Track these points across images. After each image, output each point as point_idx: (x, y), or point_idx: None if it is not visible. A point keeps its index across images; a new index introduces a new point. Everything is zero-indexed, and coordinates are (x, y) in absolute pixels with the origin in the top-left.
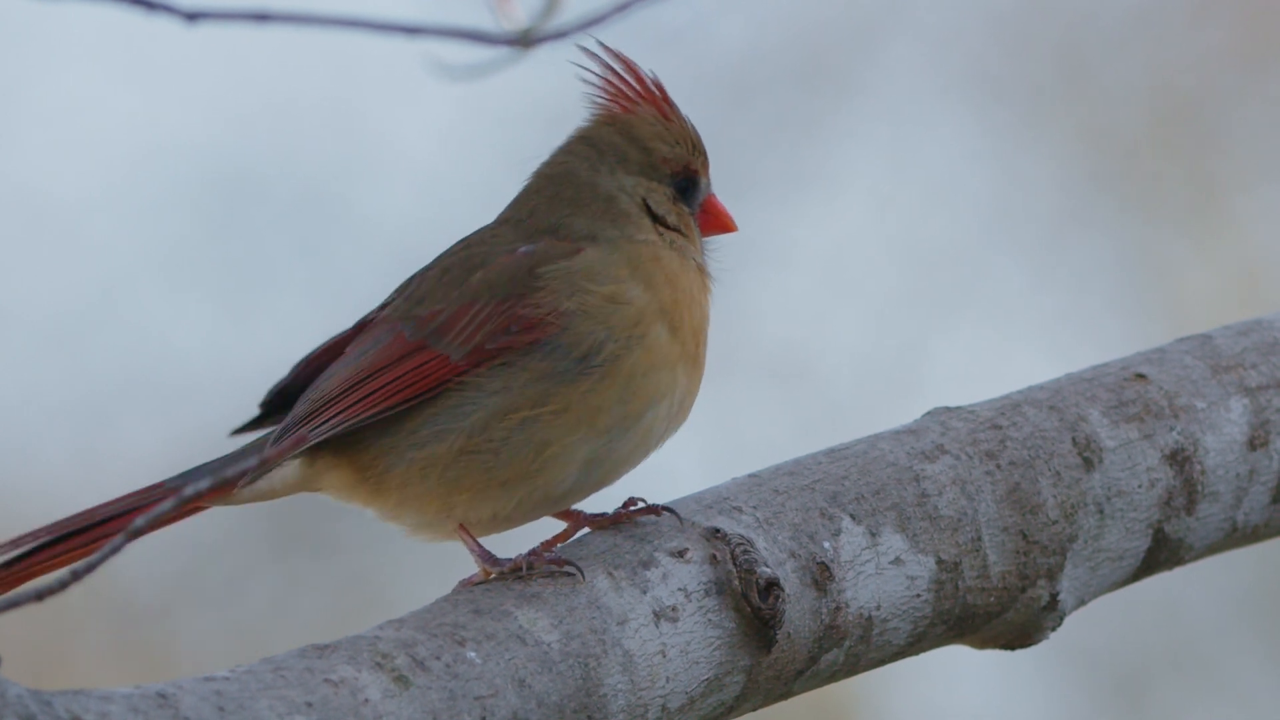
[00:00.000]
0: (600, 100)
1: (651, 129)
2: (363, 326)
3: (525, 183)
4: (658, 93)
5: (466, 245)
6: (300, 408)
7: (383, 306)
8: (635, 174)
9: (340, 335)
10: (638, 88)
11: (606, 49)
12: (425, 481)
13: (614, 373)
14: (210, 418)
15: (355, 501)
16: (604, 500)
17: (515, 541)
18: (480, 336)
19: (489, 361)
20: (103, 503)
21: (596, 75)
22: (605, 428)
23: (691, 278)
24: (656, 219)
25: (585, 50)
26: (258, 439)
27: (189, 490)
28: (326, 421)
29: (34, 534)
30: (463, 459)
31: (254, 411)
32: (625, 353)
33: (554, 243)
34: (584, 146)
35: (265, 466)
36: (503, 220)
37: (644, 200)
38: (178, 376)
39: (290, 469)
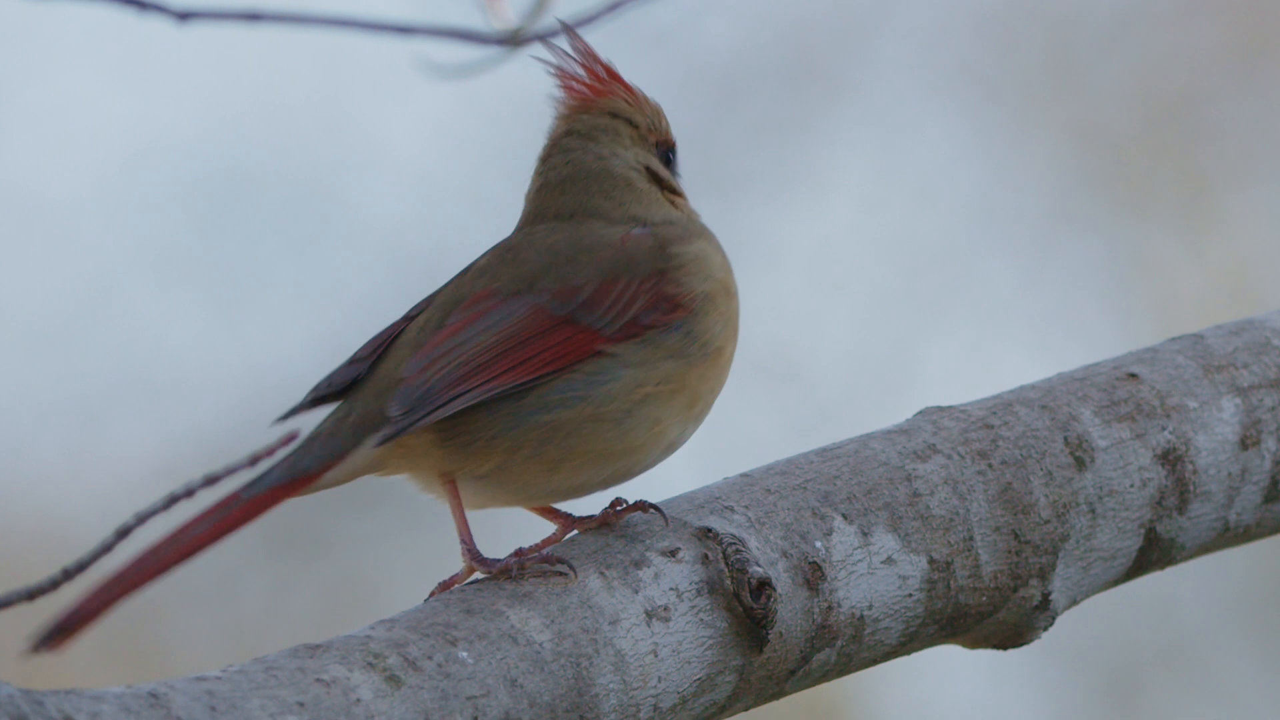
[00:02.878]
0: (572, 88)
1: (626, 105)
2: (410, 319)
3: (536, 196)
4: (618, 73)
5: (571, 230)
6: (434, 375)
7: (430, 300)
8: (629, 146)
9: (392, 327)
10: (601, 70)
11: (569, 30)
12: (543, 446)
13: (718, 360)
14: (202, 416)
15: (431, 470)
16: (588, 503)
17: (505, 541)
18: (634, 310)
19: (636, 337)
20: (181, 527)
21: (566, 64)
22: (695, 413)
23: None
24: (663, 186)
25: (548, 43)
26: (323, 428)
27: (247, 493)
28: (479, 386)
29: (120, 583)
30: (586, 426)
31: (263, 406)
32: (726, 343)
33: (665, 227)
34: (575, 140)
35: (413, 424)
36: (545, 220)
37: (647, 168)
38: (169, 375)
39: (372, 443)
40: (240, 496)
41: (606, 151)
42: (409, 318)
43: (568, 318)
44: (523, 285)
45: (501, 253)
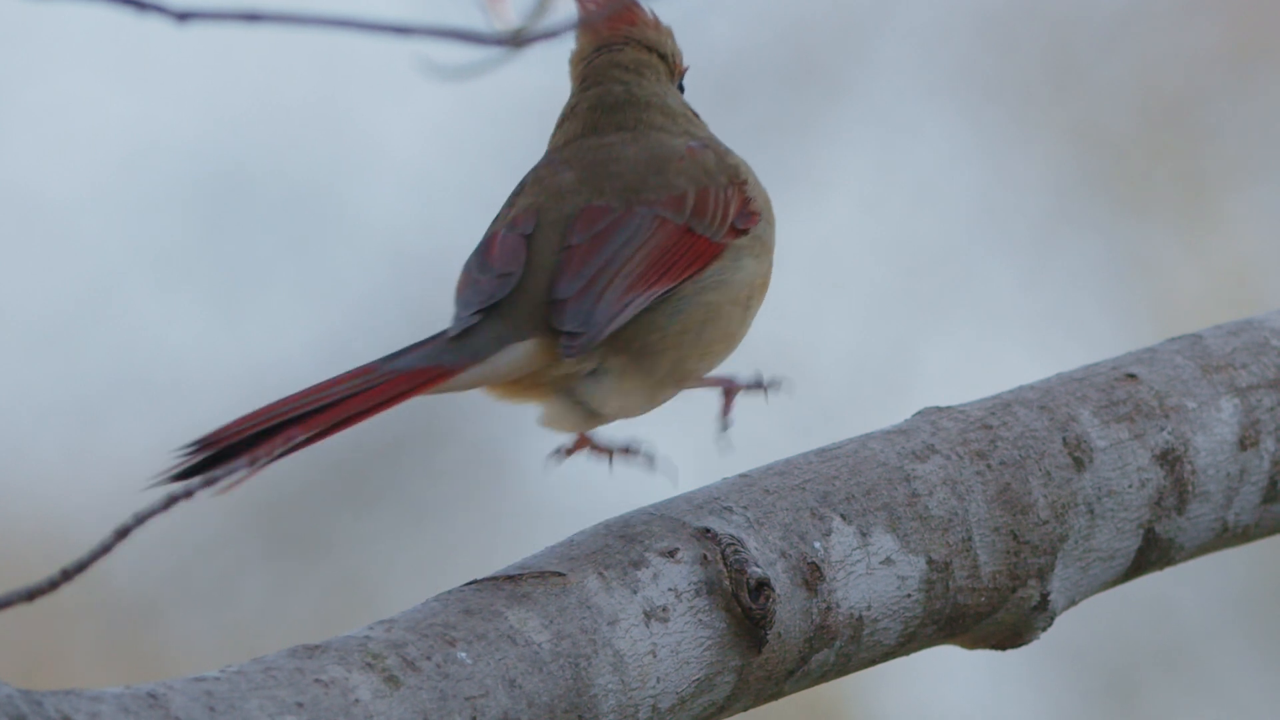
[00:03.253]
0: (611, 21)
1: (656, 35)
2: (527, 237)
3: (589, 114)
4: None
5: (641, 141)
6: (600, 290)
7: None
8: (668, 84)
9: (516, 241)
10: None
11: None
12: (705, 326)
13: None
14: (202, 416)
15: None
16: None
17: (506, 540)
18: (731, 215)
19: (740, 236)
20: (313, 387)
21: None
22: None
23: None
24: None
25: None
26: (452, 332)
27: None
28: (644, 293)
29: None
30: (726, 308)
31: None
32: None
33: (713, 142)
34: (624, 72)
35: (599, 335)
36: (605, 133)
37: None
38: (169, 375)
39: (526, 348)
40: (377, 370)
41: (660, 90)
42: (523, 235)
43: (686, 227)
44: (630, 196)
45: (586, 167)
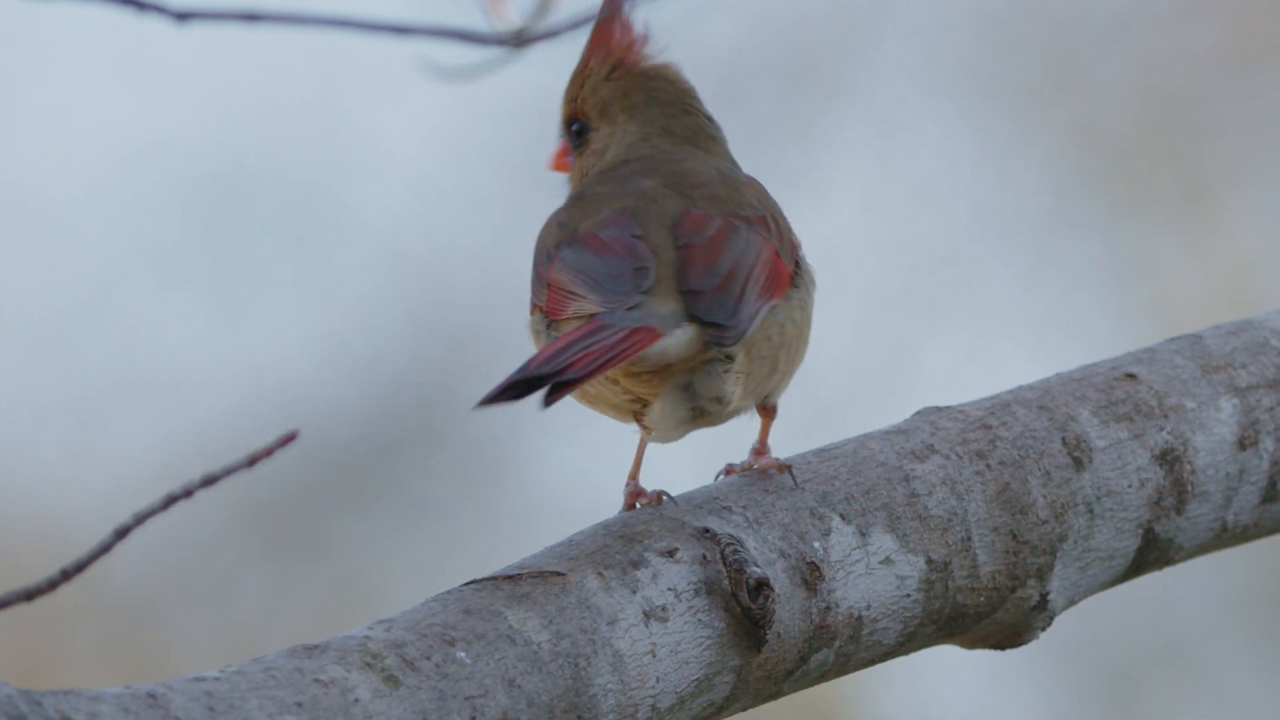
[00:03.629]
0: (636, 58)
1: (663, 72)
2: (637, 238)
3: (639, 129)
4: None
5: (699, 157)
6: (736, 290)
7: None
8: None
9: (632, 244)
10: (641, 37)
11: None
12: (793, 344)
13: None
14: (202, 416)
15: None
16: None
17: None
18: (796, 249)
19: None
20: (579, 336)
21: (628, 32)
22: None
23: None
24: None
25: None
26: (642, 305)
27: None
28: (768, 301)
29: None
30: (806, 329)
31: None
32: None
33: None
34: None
35: (744, 332)
36: (663, 136)
37: None
38: (169, 375)
39: (693, 330)
40: (614, 326)
41: (701, 118)
42: (634, 236)
43: (775, 250)
44: (721, 208)
45: (663, 176)
